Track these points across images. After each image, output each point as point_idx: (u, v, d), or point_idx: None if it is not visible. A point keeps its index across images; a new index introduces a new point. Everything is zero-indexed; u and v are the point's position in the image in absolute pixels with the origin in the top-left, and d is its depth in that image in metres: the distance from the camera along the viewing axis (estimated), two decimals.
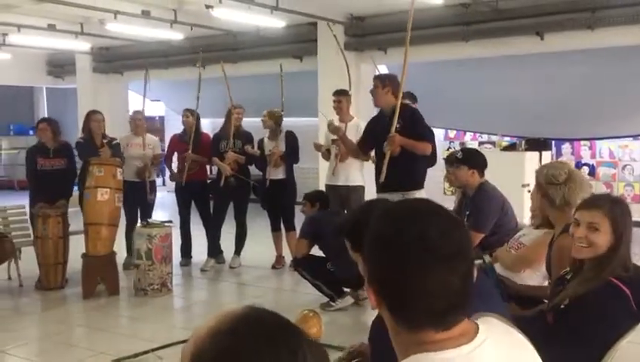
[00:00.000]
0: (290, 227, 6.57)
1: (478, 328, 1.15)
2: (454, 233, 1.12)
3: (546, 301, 2.82)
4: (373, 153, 5.57)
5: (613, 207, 2.28)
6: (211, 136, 6.96)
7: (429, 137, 5.06)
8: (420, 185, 5.04)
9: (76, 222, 6.45)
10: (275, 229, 6.73)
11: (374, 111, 5.40)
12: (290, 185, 6.60)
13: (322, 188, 6.52)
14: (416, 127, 4.94)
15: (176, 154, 6.98)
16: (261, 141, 6.65)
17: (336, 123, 5.92)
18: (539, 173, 2.99)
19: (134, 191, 6.46)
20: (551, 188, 2.87)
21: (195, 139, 6.66)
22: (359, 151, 5.52)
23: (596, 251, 2.24)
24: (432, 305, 1.09)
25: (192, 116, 6.78)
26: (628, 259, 2.25)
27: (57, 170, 6.11)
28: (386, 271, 1.12)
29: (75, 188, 6.24)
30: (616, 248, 2.22)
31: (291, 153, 6.52)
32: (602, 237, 2.23)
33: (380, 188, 5.07)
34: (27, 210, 6.36)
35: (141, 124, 6.78)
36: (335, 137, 6.08)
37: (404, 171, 4.82)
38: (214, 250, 6.84)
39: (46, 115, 15.44)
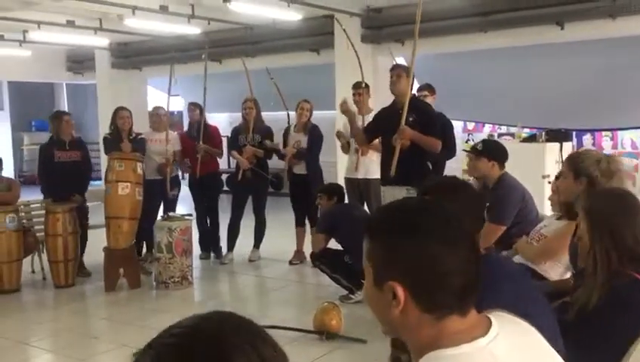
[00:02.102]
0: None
1: (490, 321, 1.17)
2: (457, 219, 1.22)
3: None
4: (377, 141, 5.51)
5: (591, 203, 2.30)
6: (219, 128, 7.00)
7: (439, 134, 4.96)
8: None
9: (97, 216, 6.53)
10: (299, 224, 6.72)
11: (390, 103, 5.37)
12: (315, 180, 6.42)
13: (341, 181, 6.52)
14: (427, 121, 4.89)
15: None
16: (287, 131, 6.63)
17: (352, 106, 5.91)
18: (591, 165, 2.90)
19: (156, 189, 6.41)
20: (603, 179, 2.85)
21: (204, 132, 6.67)
22: (363, 137, 5.39)
23: (584, 244, 2.27)
24: (455, 283, 1.15)
25: (198, 109, 6.80)
26: None
27: (74, 162, 6.19)
28: (416, 256, 1.16)
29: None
30: (596, 241, 2.19)
31: (309, 150, 6.42)
32: (584, 230, 2.27)
33: (385, 181, 5.04)
34: None
35: (166, 119, 6.78)
36: None
37: (411, 166, 4.76)
38: (215, 244, 6.87)
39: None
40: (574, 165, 2.97)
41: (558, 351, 1.27)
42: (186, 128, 7.53)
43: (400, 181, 4.82)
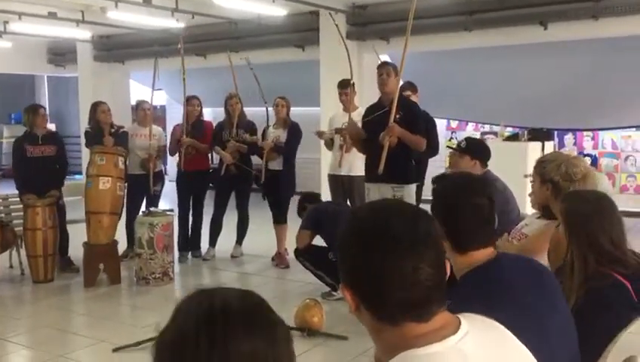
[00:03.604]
0: (282, 220, 6.51)
1: (460, 321, 1.17)
2: (418, 222, 1.16)
3: None
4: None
5: (569, 204, 2.31)
6: (214, 124, 6.93)
7: (424, 133, 4.99)
8: (410, 180, 4.98)
9: (77, 211, 6.45)
10: (276, 222, 6.69)
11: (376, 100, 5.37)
12: (287, 177, 6.45)
13: (325, 177, 6.50)
14: (413, 120, 4.90)
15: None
16: (265, 130, 6.61)
17: (342, 114, 5.92)
18: (552, 170, 2.96)
19: (140, 184, 6.40)
20: (566, 184, 2.87)
21: (198, 127, 6.61)
22: (365, 148, 5.38)
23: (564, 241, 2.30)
24: (407, 295, 1.12)
25: (198, 104, 6.73)
26: (625, 253, 2.23)
27: (47, 157, 6.04)
28: (358, 267, 1.16)
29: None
30: (573, 243, 2.21)
31: (287, 144, 6.37)
32: (562, 232, 2.30)
33: (370, 178, 5.04)
34: None
35: (150, 113, 6.70)
36: (339, 127, 6.07)
37: (396, 163, 4.77)
38: (195, 243, 6.81)
39: (48, 104, 15.46)
40: (539, 170, 3.02)
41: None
42: (177, 122, 7.31)
43: (385, 178, 4.82)
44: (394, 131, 4.73)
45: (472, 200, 1.80)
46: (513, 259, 1.93)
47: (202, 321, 0.90)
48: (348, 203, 6.09)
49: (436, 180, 2.02)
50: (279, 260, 6.45)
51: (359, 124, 5.61)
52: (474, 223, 1.78)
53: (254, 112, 7.08)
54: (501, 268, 1.74)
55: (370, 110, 5.25)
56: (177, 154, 6.73)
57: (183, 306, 0.96)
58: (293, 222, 6.59)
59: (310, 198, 5.86)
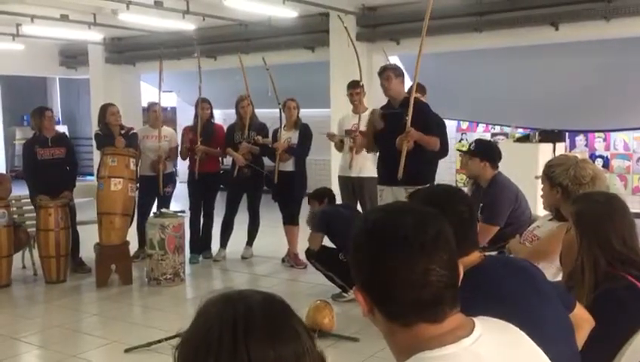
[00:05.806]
0: (294, 221, 6.52)
1: (473, 323, 1.17)
2: (428, 224, 1.16)
3: None
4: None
5: (579, 206, 2.29)
6: (225, 127, 6.95)
7: (437, 132, 5.00)
8: (423, 181, 4.97)
9: (88, 212, 6.49)
10: (286, 223, 6.69)
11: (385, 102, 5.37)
12: (299, 178, 6.48)
13: (335, 179, 6.50)
14: (425, 121, 4.89)
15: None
16: (276, 131, 6.61)
17: (351, 116, 5.93)
18: (560, 174, 2.95)
19: (151, 186, 6.45)
20: (575, 187, 2.86)
21: (208, 129, 6.64)
22: (374, 146, 5.39)
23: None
24: (419, 296, 1.12)
25: (208, 107, 6.74)
26: (638, 254, 2.21)
27: (58, 159, 6.08)
28: (369, 269, 1.17)
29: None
30: (584, 245, 2.19)
31: (300, 146, 6.40)
32: (573, 234, 2.27)
33: (384, 180, 5.04)
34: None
35: (159, 115, 6.74)
36: (349, 128, 6.08)
37: (410, 165, 4.76)
38: (206, 244, 6.83)
39: (59, 106, 15.58)
40: (548, 174, 3.02)
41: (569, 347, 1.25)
42: (189, 123, 7.29)
43: (399, 181, 4.81)
44: (412, 136, 4.72)
45: (454, 208, 1.79)
46: (498, 260, 1.97)
47: (225, 326, 0.90)
48: (358, 204, 6.09)
49: (411, 196, 2.02)
50: (295, 261, 6.45)
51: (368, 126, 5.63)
52: (459, 230, 1.78)
53: (264, 114, 7.09)
54: (488, 270, 1.75)
55: (384, 110, 5.26)
56: (189, 158, 6.76)
57: (206, 310, 0.95)
58: (305, 223, 6.61)
59: (327, 193, 5.86)
